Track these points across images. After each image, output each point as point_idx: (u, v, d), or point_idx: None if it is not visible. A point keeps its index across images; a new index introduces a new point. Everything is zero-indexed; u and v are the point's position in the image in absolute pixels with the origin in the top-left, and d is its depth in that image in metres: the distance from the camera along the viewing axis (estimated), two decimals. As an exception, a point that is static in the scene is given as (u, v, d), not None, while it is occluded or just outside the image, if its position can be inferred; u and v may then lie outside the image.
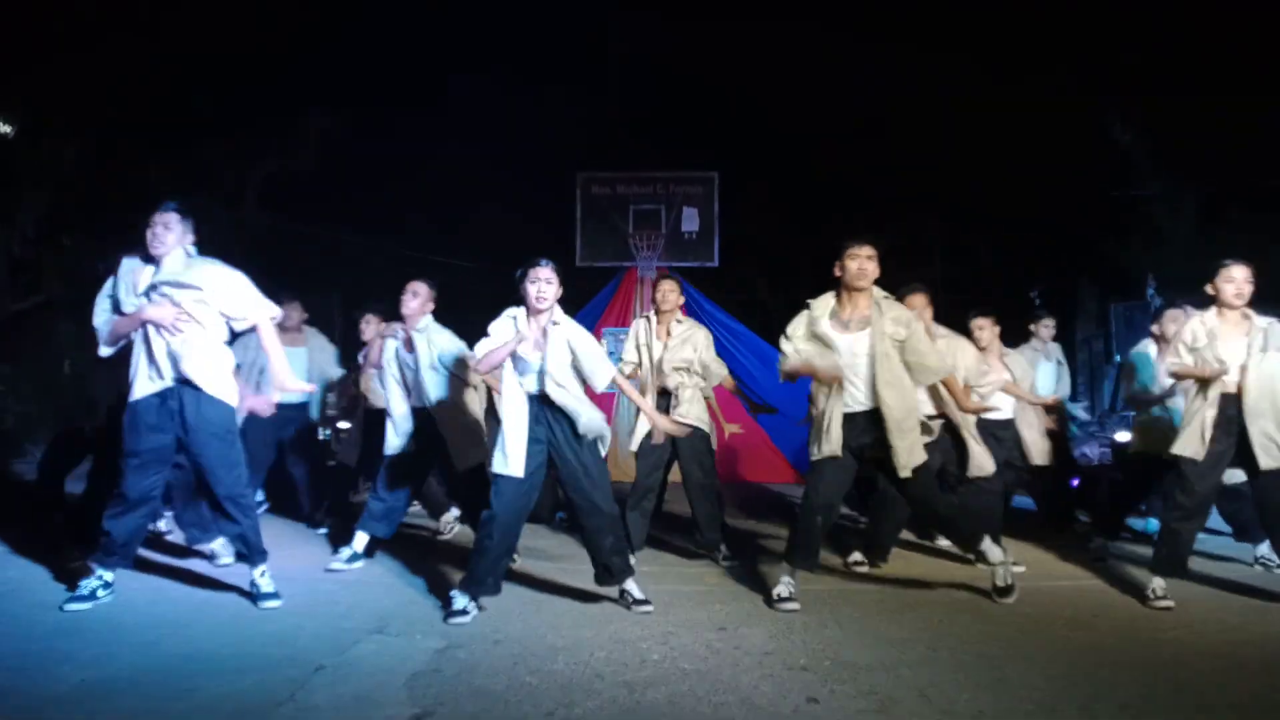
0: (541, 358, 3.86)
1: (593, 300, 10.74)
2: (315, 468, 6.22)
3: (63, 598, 3.79)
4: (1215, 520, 6.60)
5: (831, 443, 4.04)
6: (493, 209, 15.39)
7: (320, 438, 6.74)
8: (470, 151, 14.41)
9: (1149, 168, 12.09)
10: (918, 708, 2.82)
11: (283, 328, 5.68)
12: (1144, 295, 11.87)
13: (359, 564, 4.77)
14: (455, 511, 5.96)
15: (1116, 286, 12.48)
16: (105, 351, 3.98)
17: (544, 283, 3.88)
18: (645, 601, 3.94)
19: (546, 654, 3.30)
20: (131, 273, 3.91)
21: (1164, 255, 12.19)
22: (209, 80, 11.39)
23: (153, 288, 3.82)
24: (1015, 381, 5.49)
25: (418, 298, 4.85)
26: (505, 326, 3.95)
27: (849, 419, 4.06)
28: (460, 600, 3.78)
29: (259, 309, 3.97)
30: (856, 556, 5.04)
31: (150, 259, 3.87)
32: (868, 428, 4.05)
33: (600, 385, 3.99)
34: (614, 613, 3.93)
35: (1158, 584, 4.17)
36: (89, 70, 10.17)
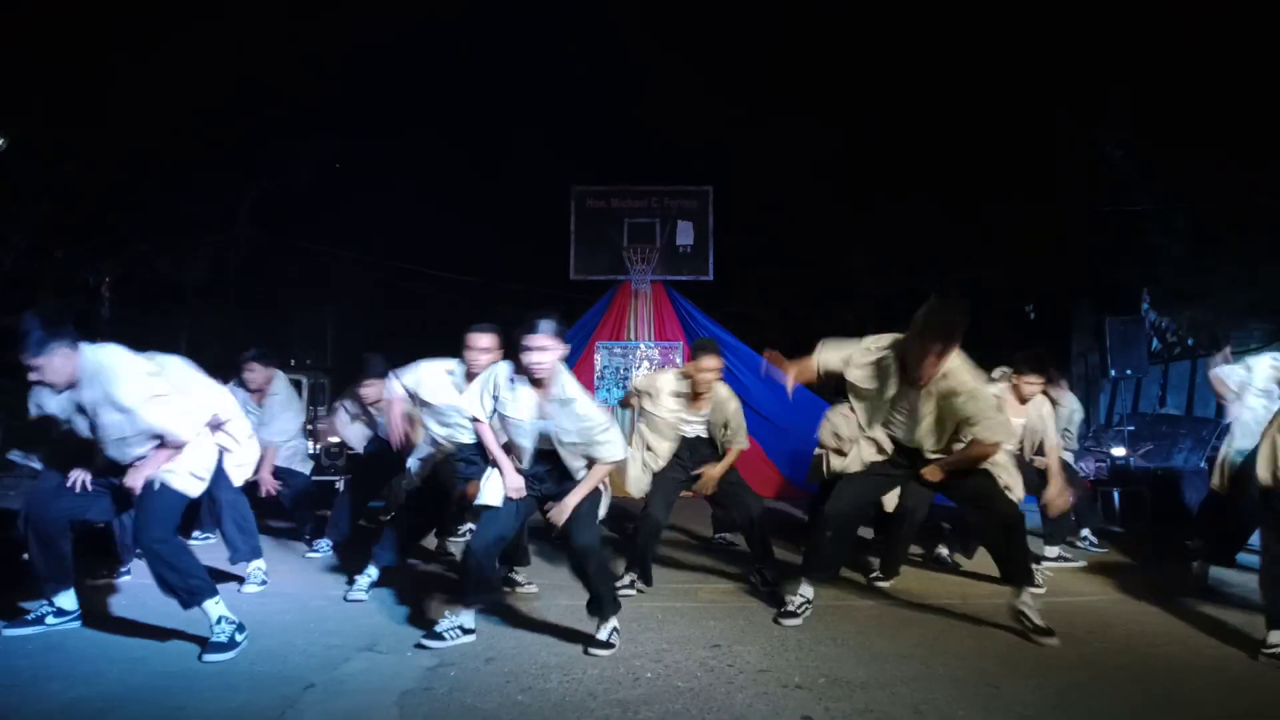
0: (544, 424, 3.67)
1: (587, 314, 10.76)
2: (303, 487, 6.16)
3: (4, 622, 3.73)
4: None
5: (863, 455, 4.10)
6: (487, 223, 15.44)
7: (308, 454, 6.69)
8: (465, 166, 14.46)
9: (1142, 185, 12.18)
10: (912, 725, 2.81)
11: (246, 387, 5.76)
12: (1138, 310, 11.94)
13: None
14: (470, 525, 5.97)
15: (1111, 302, 12.53)
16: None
17: (536, 352, 3.56)
18: (605, 644, 3.59)
19: (539, 672, 3.28)
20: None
21: (1157, 272, 12.27)
22: (203, 98, 11.42)
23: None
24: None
25: (489, 352, 4.43)
26: (500, 394, 3.73)
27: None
28: (461, 618, 3.71)
29: (171, 423, 3.57)
30: (877, 575, 5.00)
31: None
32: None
33: (610, 457, 3.72)
34: (608, 629, 3.90)
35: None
36: (84, 87, 10.20)
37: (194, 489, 3.73)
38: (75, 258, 11.18)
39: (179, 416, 3.58)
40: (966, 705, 2.97)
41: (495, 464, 3.76)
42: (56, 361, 3.43)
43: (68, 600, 3.80)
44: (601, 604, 3.68)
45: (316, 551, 5.72)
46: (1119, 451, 7.90)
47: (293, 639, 3.67)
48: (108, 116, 10.52)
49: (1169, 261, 12.08)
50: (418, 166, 14.89)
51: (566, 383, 3.65)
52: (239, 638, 3.52)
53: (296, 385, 6.75)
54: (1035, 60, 12.74)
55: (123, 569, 4.75)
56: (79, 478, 3.68)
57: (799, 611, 4.06)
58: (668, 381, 5.05)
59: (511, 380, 3.71)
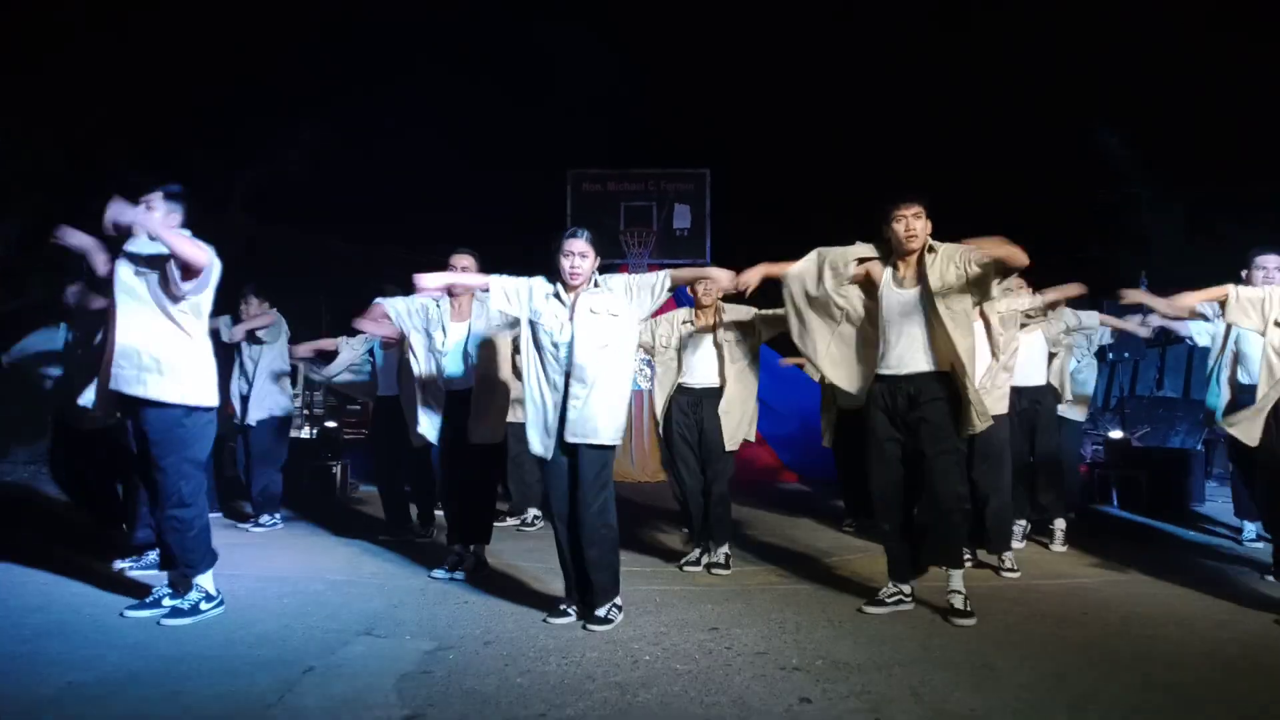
0: (571, 336, 3.69)
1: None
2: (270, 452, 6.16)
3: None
4: (1217, 512, 6.68)
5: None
6: (483, 208, 15.36)
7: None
8: (460, 150, 14.37)
9: (1138, 171, 12.16)
10: (910, 707, 2.81)
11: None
12: (1135, 295, 11.93)
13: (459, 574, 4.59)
14: (535, 510, 6.07)
15: (1106, 287, 12.55)
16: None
17: (578, 256, 3.71)
18: (603, 620, 3.65)
19: (538, 655, 3.28)
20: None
21: (1152, 259, 12.27)
22: (195, 84, 11.33)
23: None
24: None
25: (468, 269, 4.58)
26: (535, 287, 3.80)
27: (888, 382, 3.89)
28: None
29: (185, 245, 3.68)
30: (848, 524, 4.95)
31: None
32: (913, 392, 3.84)
33: (660, 291, 3.81)
34: (606, 613, 3.91)
35: None
36: (74, 74, 10.11)
37: (207, 397, 3.73)
38: (65, 248, 11.11)
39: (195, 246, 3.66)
40: (963, 687, 2.98)
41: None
42: (160, 215, 3.67)
43: (208, 581, 3.77)
44: (600, 593, 3.70)
45: (262, 526, 5.84)
46: (1116, 434, 7.92)
47: (291, 623, 3.67)
48: (97, 104, 10.44)
49: (1165, 247, 12.09)
50: (412, 151, 14.80)
51: (601, 281, 3.79)
52: (205, 607, 3.67)
53: (293, 371, 6.73)
54: (1032, 47, 12.70)
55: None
56: None
57: (887, 600, 3.95)
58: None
59: (546, 295, 3.77)
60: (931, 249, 3.90)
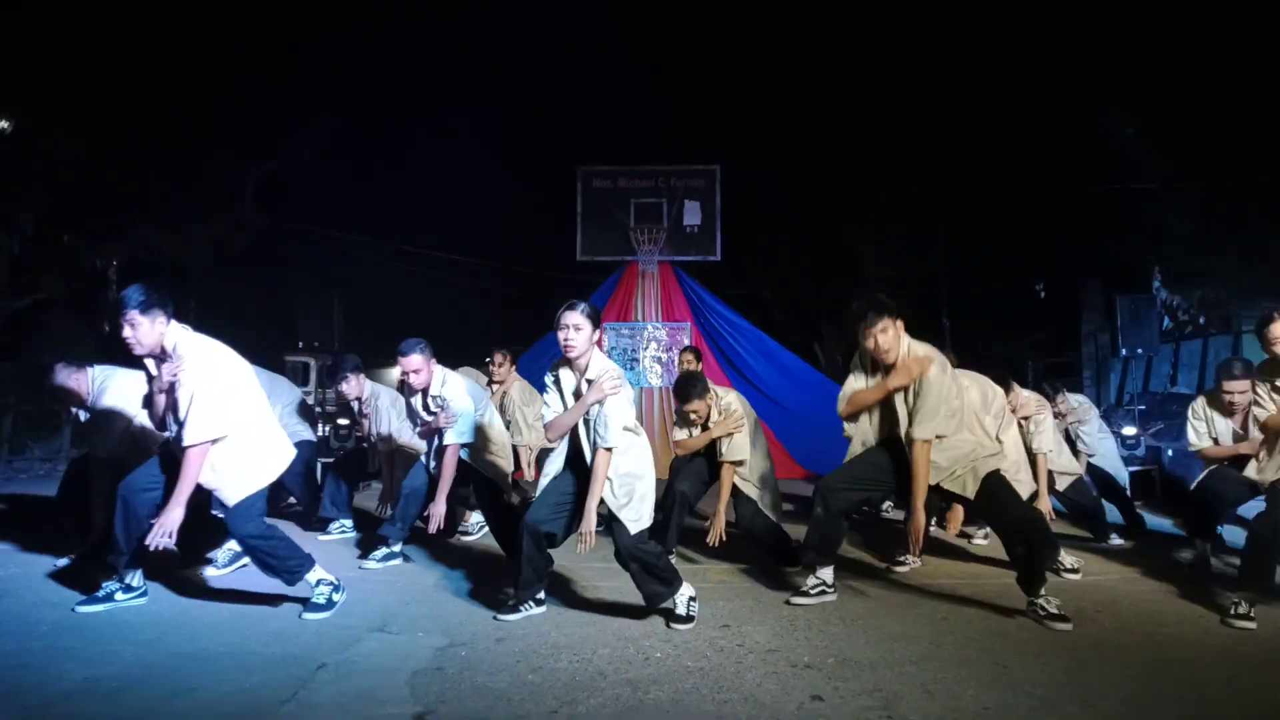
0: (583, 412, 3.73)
1: (593, 295, 10.74)
2: (308, 473, 6.19)
3: (62, 596, 3.79)
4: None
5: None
6: (494, 204, 15.40)
7: (314, 437, 6.71)
8: (471, 147, 14.39)
9: (1153, 163, 12.06)
10: (922, 704, 2.81)
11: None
12: (1149, 289, 11.86)
13: (395, 561, 4.84)
14: (478, 516, 6.01)
15: (1120, 280, 12.46)
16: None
17: (572, 330, 3.70)
18: (684, 619, 3.68)
19: (549, 652, 3.29)
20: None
21: (1168, 250, 12.18)
22: (208, 81, 11.38)
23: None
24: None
25: (420, 373, 4.71)
26: (552, 392, 3.85)
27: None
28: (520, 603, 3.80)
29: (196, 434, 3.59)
30: (903, 558, 4.90)
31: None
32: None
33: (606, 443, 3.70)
34: (617, 611, 3.91)
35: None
36: (88, 71, 10.17)
37: (258, 483, 3.76)
38: (81, 242, 11.20)
39: (206, 416, 3.56)
40: (975, 684, 2.97)
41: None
42: (152, 326, 3.53)
43: (136, 578, 3.88)
44: (654, 595, 3.71)
45: (346, 533, 5.79)
46: (1129, 431, 7.87)
47: (304, 620, 3.69)
48: (111, 99, 10.49)
49: (1180, 240, 11.99)
50: (424, 148, 14.83)
51: (595, 361, 3.76)
52: (336, 597, 3.82)
53: (304, 367, 6.78)
54: (1044, 39, 12.61)
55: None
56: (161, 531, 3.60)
57: (811, 592, 4.05)
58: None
59: (557, 379, 3.83)
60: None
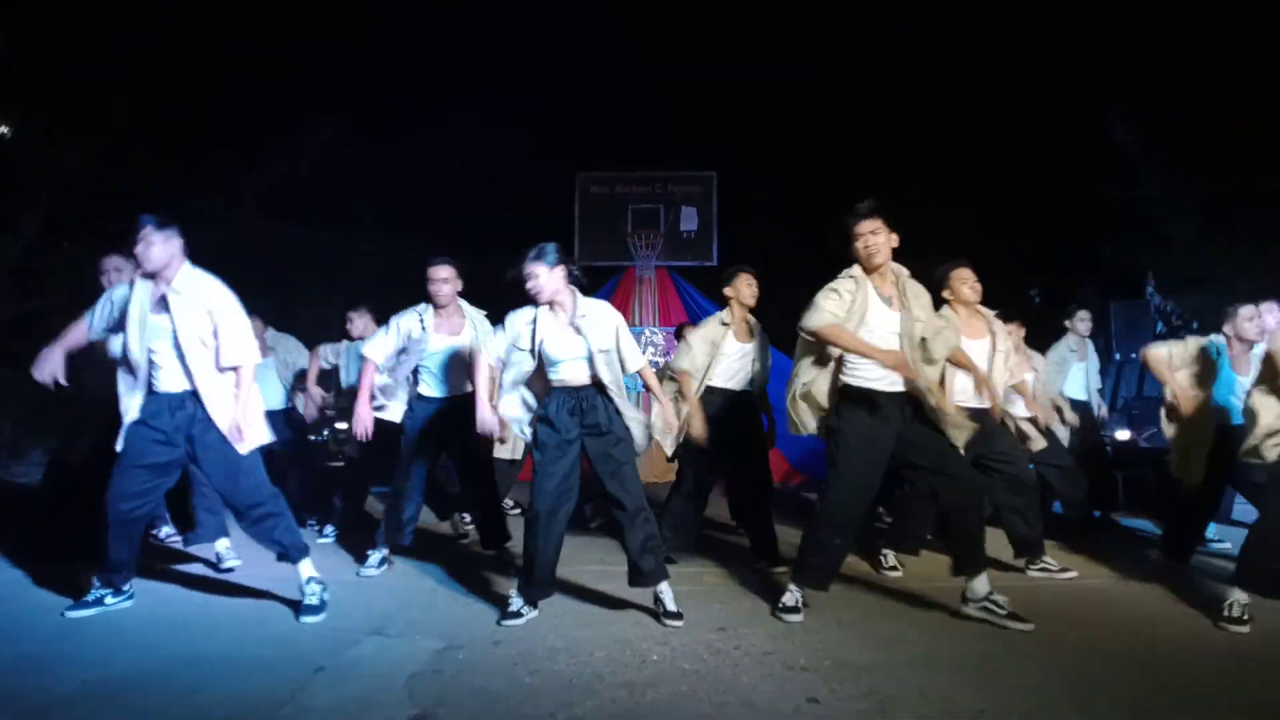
0: (580, 347, 3.80)
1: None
2: (309, 473, 6.22)
3: (61, 601, 3.80)
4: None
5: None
6: (492, 210, 15.41)
7: (315, 440, 6.73)
8: (469, 153, 14.42)
9: (1150, 168, 12.09)
10: (918, 707, 2.82)
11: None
12: (1143, 294, 11.89)
13: (386, 568, 4.80)
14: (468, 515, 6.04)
15: (1116, 286, 12.49)
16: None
17: (531, 279, 3.79)
18: (676, 615, 3.74)
19: (546, 654, 3.31)
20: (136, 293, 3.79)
21: (1165, 257, 12.20)
22: (211, 85, 11.40)
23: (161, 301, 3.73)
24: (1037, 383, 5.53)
25: (449, 282, 4.81)
26: (518, 326, 3.87)
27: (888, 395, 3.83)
28: (516, 603, 3.79)
29: (246, 355, 3.82)
30: (890, 560, 4.89)
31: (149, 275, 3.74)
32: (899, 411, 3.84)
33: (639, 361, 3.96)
34: (614, 613, 3.93)
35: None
36: (91, 75, 10.18)
37: (264, 434, 3.93)
38: (83, 248, 11.19)
39: (246, 337, 3.81)
40: (971, 688, 2.99)
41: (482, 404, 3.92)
42: (169, 244, 3.69)
43: (126, 583, 3.88)
44: (643, 573, 3.79)
45: (326, 538, 5.77)
46: (1123, 434, 7.90)
47: (301, 623, 3.70)
48: (111, 105, 10.50)
49: (1174, 245, 12.01)
50: (422, 153, 14.84)
51: (580, 301, 3.87)
52: (326, 596, 3.85)
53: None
54: (1040, 41, 12.65)
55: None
56: None
57: (799, 607, 3.88)
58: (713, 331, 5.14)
59: (533, 321, 3.84)
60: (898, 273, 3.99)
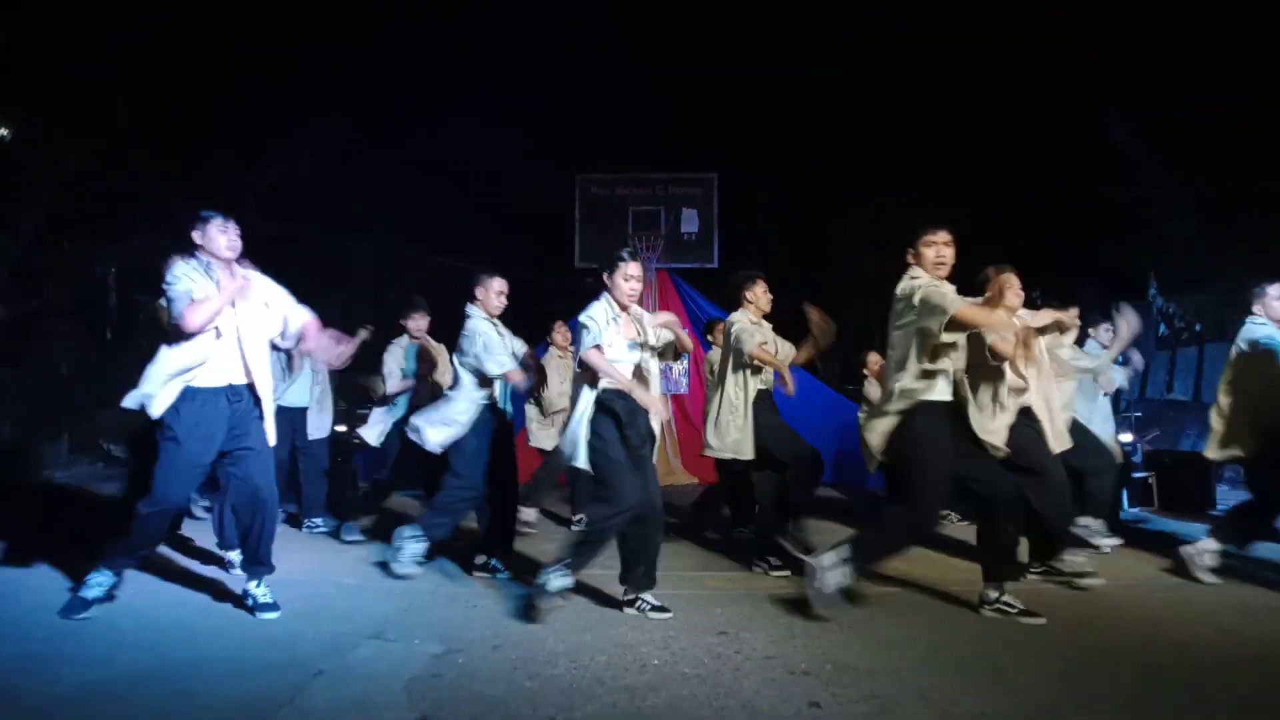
0: (648, 337, 4.02)
1: (592, 301, 10.75)
2: (331, 469, 6.25)
3: (61, 601, 3.79)
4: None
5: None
6: (493, 211, 15.42)
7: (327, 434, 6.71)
8: (470, 155, 14.43)
9: (1151, 168, 12.09)
10: (919, 710, 2.82)
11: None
12: (1145, 296, 11.88)
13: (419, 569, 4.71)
14: (533, 512, 6.20)
15: (1118, 287, 12.49)
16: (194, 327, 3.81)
17: (636, 281, 3.98)
18: (662, 608, 3.91)
19: (546, 659, 3.30)
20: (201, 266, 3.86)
21: (1166, 257, 12.19)
22: (211, 86, 11.40)
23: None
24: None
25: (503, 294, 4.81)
26: (604, 319, 3.95)
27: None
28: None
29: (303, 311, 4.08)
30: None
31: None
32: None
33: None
34: (614, 617, 3.92)
35: None
36: (91, 76, 10.18)
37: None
38: (83, 248, 11.20)
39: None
40: (972, 690, 2.98)
41: (633, 390, 3.94)
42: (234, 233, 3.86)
43: (117, 584, 3.87)
44: (641, 579, 3.96)
45: (310, 530, 5.82)
46: (1126, 437, 7.88)
47: (301, 626, 3.69)
48: (112, 105, 10.50)
49: (1176, 248, 12.00)
50: (423, 154, 14.85)
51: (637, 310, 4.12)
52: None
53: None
54: (1041, 42, 12.64)
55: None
56: None
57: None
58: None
59: (614, 317, 3.99)
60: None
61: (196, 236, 3.81)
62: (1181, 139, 11.25)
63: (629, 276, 3.97)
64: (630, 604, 3.97)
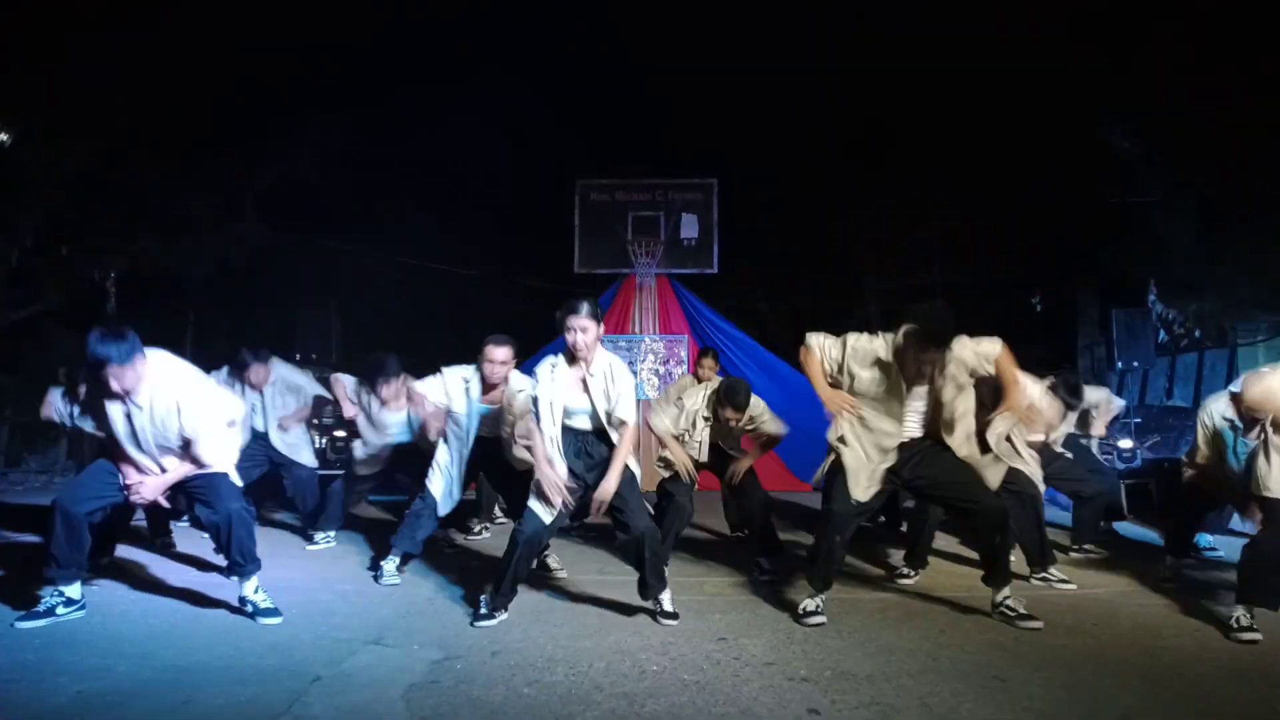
0: (590, 402, 3.91)
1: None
2: (306, 479, 6.20)
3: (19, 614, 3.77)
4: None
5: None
6: (492, 217, 15.42)
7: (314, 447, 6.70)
8: (469, 160, 14.43)
9: (1150, 170, 12.09)
10: (919, 717, 2.80)
11: (252, 384, 5.92)
12: (1145, 301, 11.88)
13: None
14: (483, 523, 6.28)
15: (1117, 293, 12.49)
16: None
17: (578, 332, 3.83)
18: (672, 615, 3.92)
19: (545, 665, 3.28)
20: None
21: (1164, 262, 12.19)
22: (208, 90, 11.41)
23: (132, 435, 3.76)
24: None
25: (507, 364, 4.81)
26: (544, 380, 3.92)
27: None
28: (485, 607, 3.92)
29: (216, 457, 3.89)
30: (903, 571, 4.97)
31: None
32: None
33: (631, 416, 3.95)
34: (613, 623, 3.91)
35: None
36: (89, 79, 10.18)
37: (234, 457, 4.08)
38: (81, 254, 11.20)
39: (223, 450, 3.93)
40: (973, 698, 2.97)
41: (542, 467, 3.87)
42: (135, 370, 3.60)
43: (75, 590, 3.85)
44: (650, 587, 3.94)
45: (317, 544, 5.76)
46: (1126, 443, 7.88)
47: (299, 632, 3.68)
48: (110, 110, 10.50)
49: (1176, 252, 12.00)
50: (422, 161, 14.85)
51: (602, 355, 3.94)
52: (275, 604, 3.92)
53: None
54: (1040, 48, 12.66)
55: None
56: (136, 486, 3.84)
57: (819, 610, 3.96)
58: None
59: (553, 368, 3.91)
60: None
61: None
62: (1181, 139, 11.26)
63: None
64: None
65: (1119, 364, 9.30)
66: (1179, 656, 3.48)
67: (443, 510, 4.86)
